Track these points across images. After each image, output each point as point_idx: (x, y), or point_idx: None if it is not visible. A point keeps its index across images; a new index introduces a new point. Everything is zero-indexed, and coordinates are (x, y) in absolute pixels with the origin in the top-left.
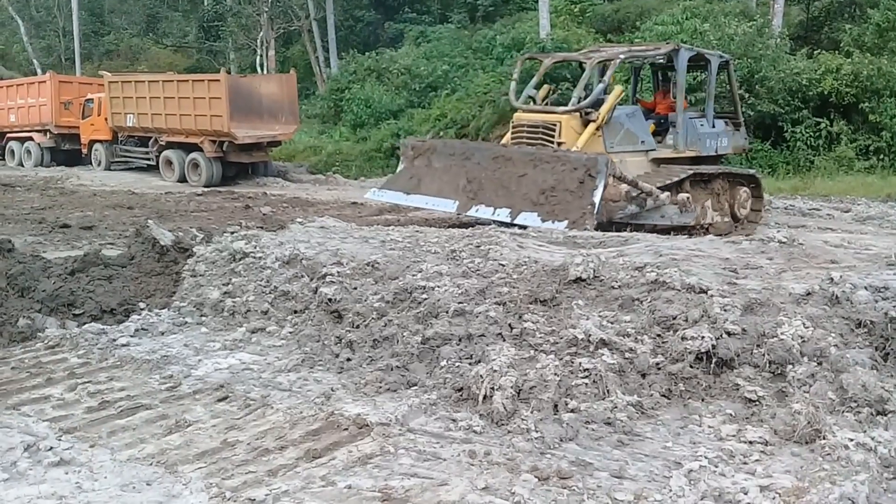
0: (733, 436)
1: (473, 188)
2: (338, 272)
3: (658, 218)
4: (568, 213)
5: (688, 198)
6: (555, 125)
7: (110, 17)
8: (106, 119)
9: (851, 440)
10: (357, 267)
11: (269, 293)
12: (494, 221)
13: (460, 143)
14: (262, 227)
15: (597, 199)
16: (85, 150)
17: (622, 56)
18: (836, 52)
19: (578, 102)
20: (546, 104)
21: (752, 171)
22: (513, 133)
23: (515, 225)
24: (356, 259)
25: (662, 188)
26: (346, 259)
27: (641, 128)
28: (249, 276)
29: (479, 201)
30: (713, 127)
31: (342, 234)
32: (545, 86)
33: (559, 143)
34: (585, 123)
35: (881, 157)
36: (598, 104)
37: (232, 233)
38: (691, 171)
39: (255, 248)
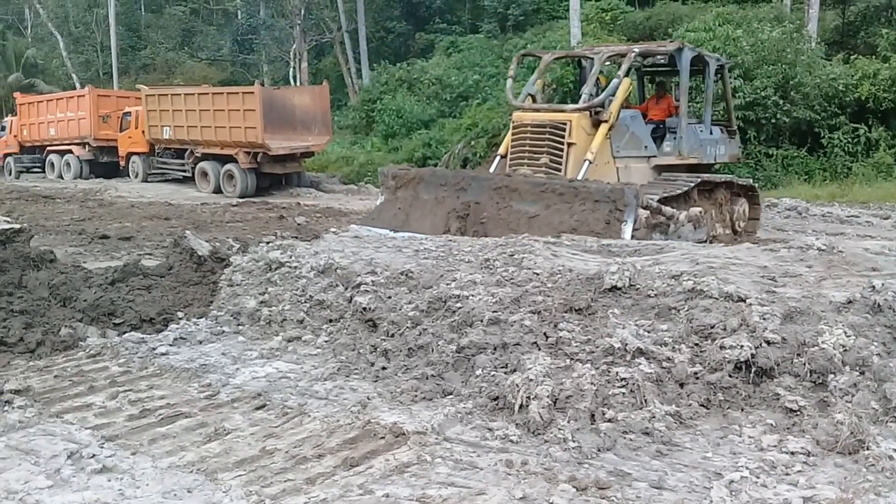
0: (774, 446)
1: (469, 227)
2: (372, 281)
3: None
4: None
5: (700, 212)
6: (564, 125)
7: (147, 31)
8: (143, 132)
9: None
10: (391, 276)
11: (305, 302)
12: None
13: (452, 172)
14: (296, 237)
15: (628, 238)
16: (123, 163)
17: (636, 49)
18: (874, 56)
19: (589, 100)
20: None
21: (750, 181)
22: (514, 134)
23: None
24: (390, 268)
25: (672, 198)
26: (380, 268)
27: (644, 132)
28: (285, 285)
29: None
30: (711, 133)
31: (376, 244)
32: (539, 80)
33: (570, 145)
34: (596, 123)
35: None
36: (606, 103)
37: (267, 243)
38: (699, 180)
39: (291, 257)
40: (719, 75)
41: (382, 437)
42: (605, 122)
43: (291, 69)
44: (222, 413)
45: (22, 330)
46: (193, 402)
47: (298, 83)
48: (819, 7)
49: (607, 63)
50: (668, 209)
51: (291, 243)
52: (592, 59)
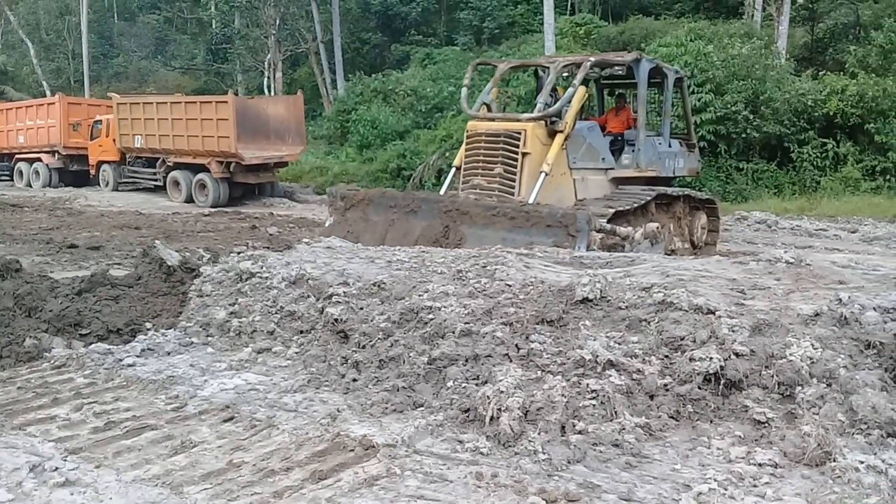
0: (742, 458)
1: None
2: (344, 292)
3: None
4: None
5: (658, 227)
6: (519, 134)
7: (119, 39)
8: (114, 140)
9: (862, 462)
10: (363, 287)
11: (276, 313)
12: None
13: (402, 194)
14: (268, 247)
15: None
16: (93, 171)
17: (592, 59)
18: (842, 73)
19: (544, 109)
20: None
21: (710, 195)
22: (468, 144)
23: None
24: (362, 279)
25: (630, 212)
26: (352, 279)
27: (602, 144)
28: (256, 296)
29: None
30: (670, 146)
31: (348, 255)
32: (494, 89)
33: (524, 154)
34: (551, 133)
35: (888, 177)
36: (562, 113)
37: (238, 253)
38: (656, 193)
39: (262, 268)
40: (678, 87)
41: (352, 450)
42: (561, 131)
43: (266, 79)
44: (189, 425)
45: None
46: (160, 414)
47: (273, 93)
48: (788, 24)
49: (564, 73)
50: (622, 230)
51: (263, 254)
52: (549, 68)
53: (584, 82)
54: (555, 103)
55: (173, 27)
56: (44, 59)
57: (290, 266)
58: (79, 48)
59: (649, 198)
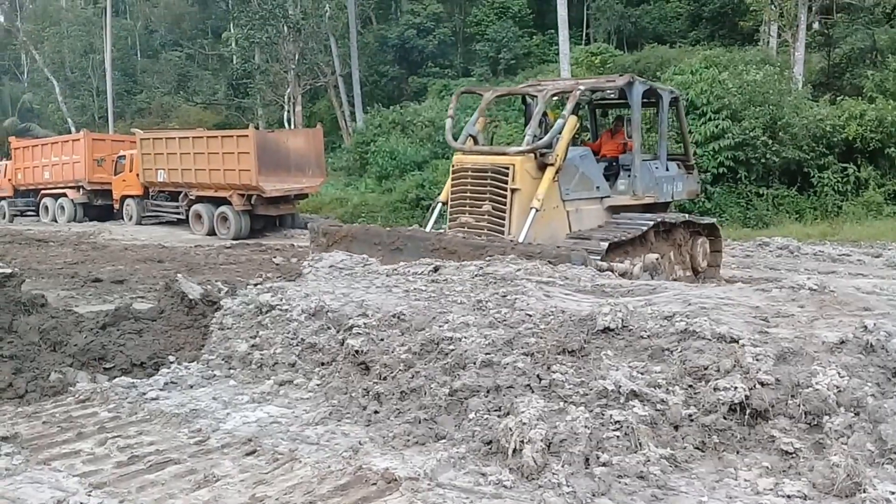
0: (770, 489)
1: None
2: (364, 323)
3: None
4: None
5: (657, 258)
6: (507, 169)
7: (142, 76)
8: (137, 175)
9: (893, 493)
10: (383, 318)
11: (297, 345)
12: None
13: (387, 231)
14: (280, 276)
15: None
16: (117, 206)
17: (582, 87)
18: (860, 98)
19: (533, 141)
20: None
21: (712, 220)
22: (454, 179)
23: None
24: (381, 310)
25: (629, 242)
26: (371, 310)
27: (595, 172)
28: (276, 328)
29: None
30: (667, 170)
31: (365, 283)
32: (481, 119)
33: (514, 191)
34: (542, 166)
35: None
36: (553, 144)
37: (255, 285)
38: (654, 221)
39: (281, 300)
40: (674, 108)
41: (374, 484)
42: (552, 164)
43: (286, 112)
44: (212, 459)
45: (11, 375)
46: (183, 448)
47: (293, 126)
48: (804, 50)
49: (556, 99)
50: (619, 266)
51: (282, 285)
52: (537, 96)
53: (576, 110)
54: (544, 133)
55: (195, 63)
56: (69, 96)
57: (308, 298)
58: (103, 85)
59: (647, 227)
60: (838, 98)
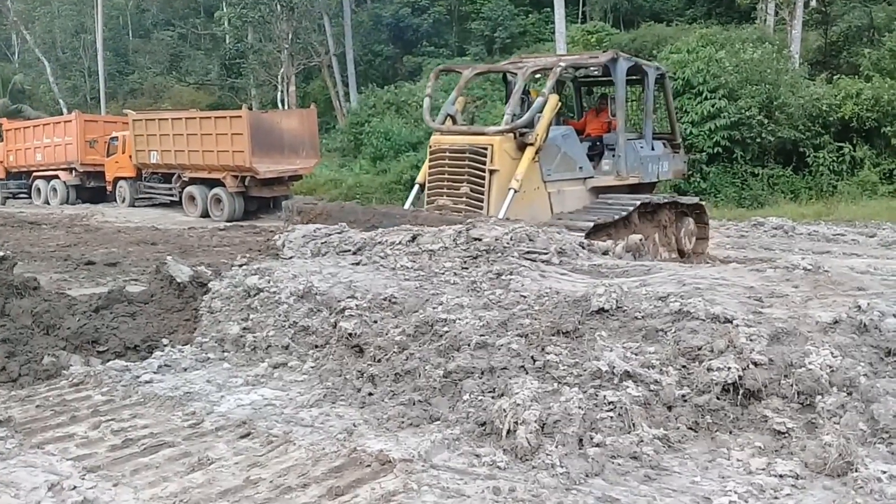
0: (763, 469)
1: None
2: (356, 305)
3: None
4: None
5: (641, 239)
6: (486, 149)
7: (134, 56)
8: (130, 156)
9: (884, 472)
10: (374, 300)
11: (289, 328)
12: None
13: (362, 208)
14: (259, 253)
15: None
16: (109, 188)
17: (563, 64)
18: (856, 76)
19: (512, 120)
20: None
21: (696, 200)
22: (431, 160)
23: None
24: (371, 291)
25: (612, 224)
26: (360, 292)
27: (578, 152)
28: (266, 311)
29: None
30: (653, 149)
31: (352, 261)
32: (460, 98)
33: (492, 172)
34: (521, 146)
35: None
36: (534, 123)
37: (241, 266)
38: (639, 202)
39: (269, 282)
40: (660, 85)
41: (368, 465)
42: (532, 144)
43: (279, 93)
44: (206, 442)
45: (4, 359)
46: (177, 430)
47: (287, 107)
48: (801, 28)
49: (538, 76)
50: (601, 244)
51: (268, 266)
52: (517, 73)
53: (557, 88)
54: (525, 112)
55: (187, 43)
56: (60, 77)
57: (296, 279)
58: (94, 66)
59: (632, 208)
60: (835, 77)
